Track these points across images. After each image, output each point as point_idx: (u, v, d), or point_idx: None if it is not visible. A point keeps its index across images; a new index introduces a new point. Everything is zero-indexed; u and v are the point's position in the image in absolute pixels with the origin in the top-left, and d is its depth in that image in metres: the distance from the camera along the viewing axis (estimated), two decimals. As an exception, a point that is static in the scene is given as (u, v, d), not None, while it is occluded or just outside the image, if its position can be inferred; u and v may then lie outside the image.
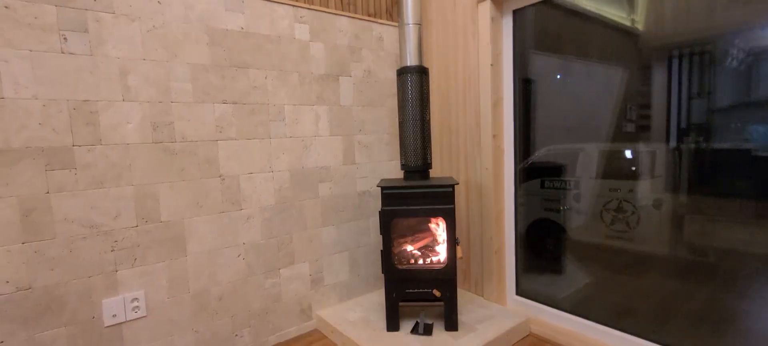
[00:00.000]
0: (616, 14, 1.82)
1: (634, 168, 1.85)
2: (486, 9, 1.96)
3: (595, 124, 1.94)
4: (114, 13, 1.45)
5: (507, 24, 2.01)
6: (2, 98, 1.27)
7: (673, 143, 1.70)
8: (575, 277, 1.95)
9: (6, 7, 1.26)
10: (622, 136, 1.88)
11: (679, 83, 1.69)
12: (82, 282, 1.43)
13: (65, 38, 1.36)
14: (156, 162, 1.56)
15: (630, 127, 1.87)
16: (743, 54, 1.52)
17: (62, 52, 1.36)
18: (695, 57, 1.65)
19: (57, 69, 1.36)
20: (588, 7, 1.86)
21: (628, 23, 1.81)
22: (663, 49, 1.73)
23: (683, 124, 1.69)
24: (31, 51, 1.31)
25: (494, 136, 2.02)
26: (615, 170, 1.93)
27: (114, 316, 1.50)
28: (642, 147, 1.81)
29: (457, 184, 1.88)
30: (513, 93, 2.04)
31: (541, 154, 2.09)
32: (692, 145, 1.64)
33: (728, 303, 1.47)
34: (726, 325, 1.47)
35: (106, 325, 1.48)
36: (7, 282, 1.30)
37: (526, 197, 2.14)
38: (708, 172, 1.61)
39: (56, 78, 1.36)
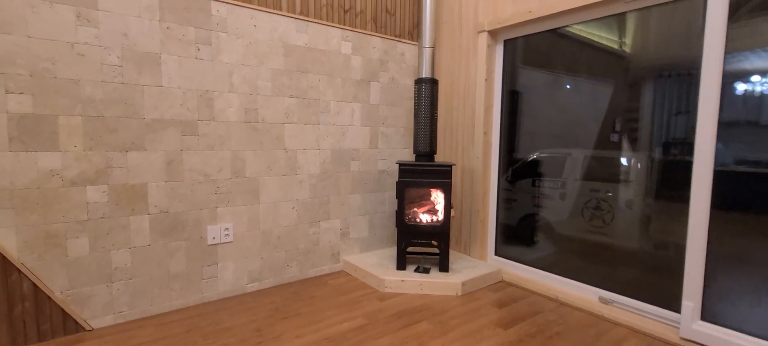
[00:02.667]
0: (607, 38, 2.21)
1: (613, 172, 2.15)
2: (483, 38, 2.63)
3: (579, 132, 2.31)
4: (227, 33, 2.14)
5: (499, 50, 2.67)
6: (161, 86, 1.97)
7: (647, 153, 1.97)
8: (555, 261, 2.59)
9: (167, 28, 1.96)
10: (606, 145, 2.17)
11: (660, 101, 1.94)
12: (196, 212, 2.13)
13: (198, 49, 2.06)
14: (245, 136, 2.26)
15: (615, 137, 2.19)
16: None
17: (196, 58, 2.06)
18: (674, 79, 1.90)
19: (192, 69, 2.05)
20: (580, 33, 2.28)
21: (616, 46, 2.18)
22: (647, 70, 2.00)
23: (659, 138, 1.95)
24: (179, 57, 2.00)
25: (485, 133, 2.69)
26: (597, 174, 2.25)
27: (213, 238, 2.19)
28: (621, 155, 2.11)
29: (455, 165, 2.55)
30: (501, 101, 2.70)
31: (532, 157, 2.54)
32: (664, 157, 1.92)
33: (654, 278, 1.99)
34: (643, 288, 2.06)
35: (208, 243, 2.18)
36: (155, 206, 2.00)
37: (519, 194, 2.62)
38: (675, 180, 1.90)
39: (191, 75, 2.05)
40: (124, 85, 1.87)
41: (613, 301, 2.13)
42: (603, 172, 2.23)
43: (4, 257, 1.64)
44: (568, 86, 2.37)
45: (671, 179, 1.94)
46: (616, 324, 2.00)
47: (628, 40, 2.11)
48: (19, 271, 1.67)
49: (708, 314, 1.78)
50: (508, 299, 2.30)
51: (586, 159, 2.32)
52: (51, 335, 1.77)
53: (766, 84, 1.62)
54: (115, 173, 1.87)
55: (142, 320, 1.97)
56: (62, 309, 1.78)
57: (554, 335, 1.88)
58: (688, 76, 1.87)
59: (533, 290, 2.43)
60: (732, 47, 1.68)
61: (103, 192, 1.85)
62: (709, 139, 1.71)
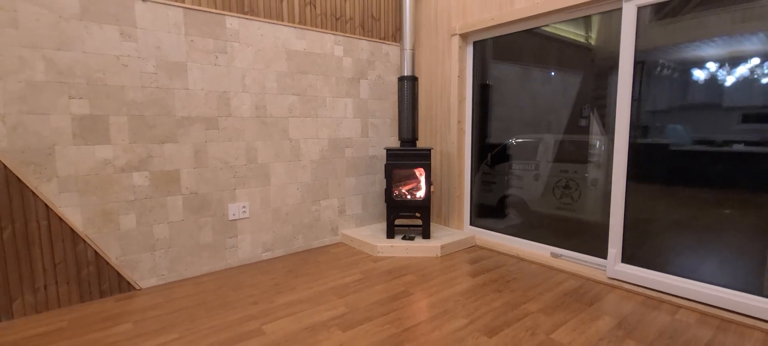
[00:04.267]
0: (574, 32, 2.52)
1: (581, 155, 2.43)
2: (456, 41, 3.08)
3: (550, 119, 2.60)
4: (240, 43, 2.55)
5: (469, 50, 3.13)
6: (188, 89, 2.38)
7: (611, 137, 2.20)
8: (529, 232, 3.08)
9: (191, 41, 2.36)
10: (574, 130, 2.43)
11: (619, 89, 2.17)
12: (219, 193, 2.56)
13: (217, 57, 2.47)
14: (257, 129, 2.68)
15: (583, 123, 2.48)
16: (664, 67, 1.97)
17: (215, 65, 2.47)
18: (636, 67, 2.10)
19: (212, 74, 2.46)
20: (548, 29, 2.58)
21: (583, 40, 2.50)
22: (611, 60, 2.22)
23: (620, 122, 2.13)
24: (201, 64, 2.41)
25: (459, 122, 3.16)
26: (566, 156, 2.50)
27: (233, 215, 2.63)
28: (587, 139, 2.37)
29: (433, 149, 3.02)
30: (472, 94, 3.17)
31: (512, 142, 2.88)
32: (641, 140, 2.13)
33: (596, 243, 2.53)
34: (596, 249, 2.62)
35: (229, 219, 2.62)
36: (186, 188, 2.42)
37: (498, 177, 2.97)
38: (633, 160, 2.15)
39: (211, 79, 2.46)
40: (159, 89, 2.27)
41: (562, 254, 2.65)
42: (571, 154, 2.54)
43: (73, 230, 2.06)
44: (552, 73, 2.63)
45: (630, 160, 2.19)
46: (561, 271, 2.52)
47: (593, 34, 2.43)
48: (85, 241, 2.09)
49: (626, 258, 2.30)
50: (479, 258, 2.80)
51: (556, 143, 2.65)
52: (109, 292, 2.20)
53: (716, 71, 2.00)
54: (154, 162, 2.29)
55: (180, 281, 2.40)
56: (118, 272, 2.21)
57: (511, 279, 2.39)
58: (641, 65, 2.12)
59: (499, 251, 2.94)
60: (683, 39, 2.00)
61: (146, 177, 2.27)
62: (625, 123, 2.21)
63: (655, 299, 2.10)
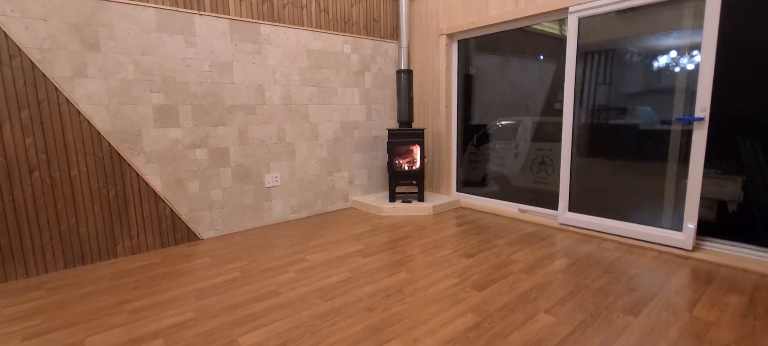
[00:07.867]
0: (550, 26, 3.04)
1: (555, 134, 2.90)
2: (443, 39, 3.75)
3: (528, 103, 3.12)
4: (271, 45, 3.19)
5: (454, 47, 3.80)
6: (233, 83, 3.02)
7: (583, 118, 2.66)
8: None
9: (236, 45, 3.00)
10: (550, 112, 2.91)
11: (591, 75, 2.54)
12: (257, 165, 3.23)
13: (254, 57, 3.11)
14: (285, 114, 3.34)
15: (558, 106, 3.30)
16: (632, 55, 2.28)
17: (253, 63, 3.11)
18: (602, 55, 2.46)
19: (250, 71, 3.10)
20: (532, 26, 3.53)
21: (557, 32, 3.13)
22: (582, 48, 2.63)
23: (589, 104, 2.59)
24: (242, 63, 3.05)
25: (446, 106, 3.86)
26: (542, 136, 2.99)
27: (268, 183, 3.31)
28: (561, 120, 2.84)
29: (426, 129, 3.71)
30: (457, 83, 3.86)
31: (497, 125, 3.50)
32: (592, 120, 2.63)
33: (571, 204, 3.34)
34: (550, 207, 3.36)
35: (265, 186, 3.30)
36: (234, 162, 3.09)
37: (482, 156, 3.68)
38: (601, 138, 2.58)
39: (250, 75, 3.11)
40: (213, 83, 2.92)
41: (527, 209, 3.40)
42: (547, 134, 3.01)
43: (155, 192, 2.72)
44: (541, 57, 3.27)
45: (598, 138, 2.64)
46: (525, 222, 3.27)
47: (566, 27, 2.92)
48: (164, 201, 2.76)
49: (572, 208, 3.05)
50: (462, 215, 3.54)
51: (534, 125, 3.21)
52: (182, 241, 2.88)
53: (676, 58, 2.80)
54: (210, 141, 2.95)
55: (231, 234, 3.10)
56: (187, 225, 2.89)
57: (486, 227, 3.13)
58: (612, 53, 2.53)
59: (479, 210, 3.68)
60: (654, 29, 2.56)
61: (205, 152, 2.93)
62: (570, 106, 2.93)
63: (589, 236, 2.86)
